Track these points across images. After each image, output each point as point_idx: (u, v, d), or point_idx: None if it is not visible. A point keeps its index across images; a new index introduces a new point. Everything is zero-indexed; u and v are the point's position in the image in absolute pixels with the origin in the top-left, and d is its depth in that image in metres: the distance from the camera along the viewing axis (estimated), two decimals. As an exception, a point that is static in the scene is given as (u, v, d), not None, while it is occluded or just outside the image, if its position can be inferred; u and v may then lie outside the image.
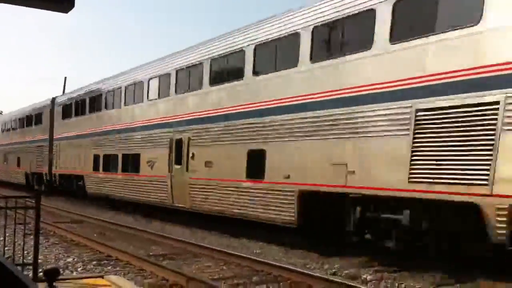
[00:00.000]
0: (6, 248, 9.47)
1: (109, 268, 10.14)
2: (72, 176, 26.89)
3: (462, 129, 8.98)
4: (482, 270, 9.40)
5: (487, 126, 8.63)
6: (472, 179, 8.76)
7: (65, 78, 54.69)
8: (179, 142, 17.29)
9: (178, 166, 17.17)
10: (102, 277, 7.55)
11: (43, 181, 30.91)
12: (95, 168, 23.82)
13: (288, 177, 12.55)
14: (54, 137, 29.61)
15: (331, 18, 11.91)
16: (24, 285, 1.86)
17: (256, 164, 13.69)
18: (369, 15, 10.90)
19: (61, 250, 12.08)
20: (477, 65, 8.94)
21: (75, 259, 10.91)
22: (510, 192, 8.30)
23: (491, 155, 8.52)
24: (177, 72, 17.88)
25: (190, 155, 16.60)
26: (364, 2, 11.08)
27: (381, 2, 10.67)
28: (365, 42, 10.95)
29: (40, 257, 8.19)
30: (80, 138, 25.80)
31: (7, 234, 9.21)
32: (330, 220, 12.15)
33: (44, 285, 5.47)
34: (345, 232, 11.39)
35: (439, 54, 9.54)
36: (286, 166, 12.65)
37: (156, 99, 19.20)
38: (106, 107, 23.80)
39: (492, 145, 8.52)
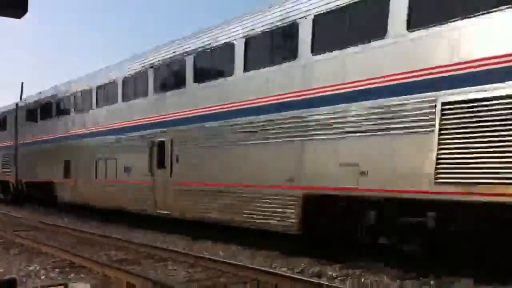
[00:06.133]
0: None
1: (72, 275, 9.96)
2: None
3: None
4: (444, 264, 9.62)
5: None
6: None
7: (22, 83, 53.03)
8: None
9: None
10: (65, 285, 7.41)
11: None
12: None
13: None
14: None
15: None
16: None
17: None
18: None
19: (23, 258, 11.80)
20: None
21: (38, 267, 10.67)
22: None
23: None
24: None
25: None
26: None
27: None
28: None
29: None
30: None
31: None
32: None
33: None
34: None
35: None
36: None
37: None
38: None
39: None
